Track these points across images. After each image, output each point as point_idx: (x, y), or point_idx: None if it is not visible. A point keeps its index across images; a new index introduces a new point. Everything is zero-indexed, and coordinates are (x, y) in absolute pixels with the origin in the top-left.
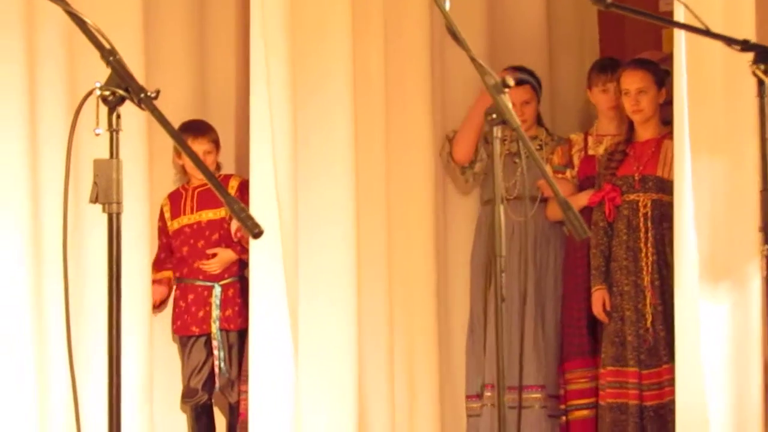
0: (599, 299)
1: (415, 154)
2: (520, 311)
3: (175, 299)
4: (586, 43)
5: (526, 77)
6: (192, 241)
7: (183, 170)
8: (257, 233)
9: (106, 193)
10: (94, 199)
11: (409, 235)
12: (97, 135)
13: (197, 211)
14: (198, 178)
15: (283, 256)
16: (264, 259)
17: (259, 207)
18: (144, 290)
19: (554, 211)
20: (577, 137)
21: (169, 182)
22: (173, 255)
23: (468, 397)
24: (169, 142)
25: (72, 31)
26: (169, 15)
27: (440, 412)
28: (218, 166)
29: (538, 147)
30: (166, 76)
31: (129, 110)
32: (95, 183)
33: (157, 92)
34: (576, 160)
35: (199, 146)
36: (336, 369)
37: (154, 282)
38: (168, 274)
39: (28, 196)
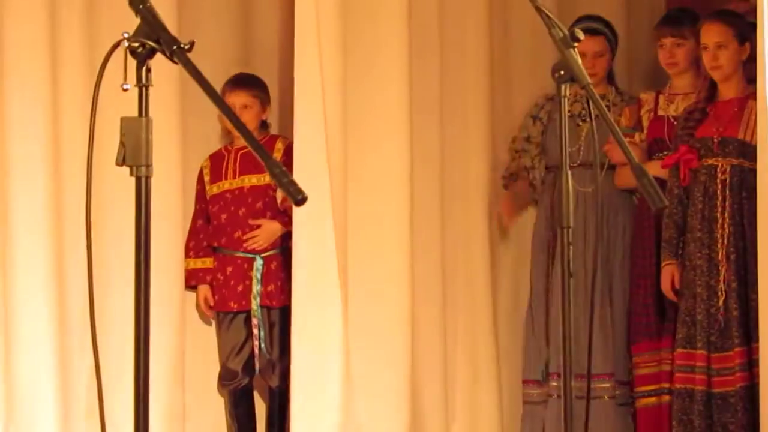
0: (668, 275)
1: (471, 128)
2: (587, 291)
3: (207, 272)
4: None
5: (601, 27)
6: (233, 208)
7: (226, 130)
8: (300, 200)
9: (135, 154)
10: (121, 162)
11: (464, 207)
12: (125, 90)
13: (240, 175)
14: (239, 138)
15: (334, 225)
16: (309, 229)
17: (303, 171)
18: (175, 260)
19: (624, 179)
20: (647, 96)
21: (206, 144)
22: (210, 224)
23: (525, 382)
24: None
25: None
26: None
27: (499, 397)
28: (264, 125)
29: (605, 107)
30: (206, 29)
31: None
32: (122, 143)
33: (192, 43)
34: (645, 122)
35: (236, 98)
36: (388, 349)
37: (196, 270)
38: (206, 263)
39: (50, 159)
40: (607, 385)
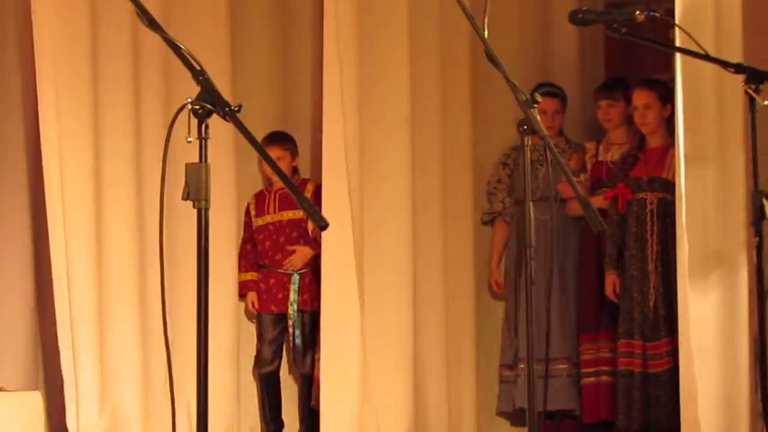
0: (610, 282)
1: (461, 168)
2: (547, 294)
3: (255, 282)
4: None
5: (558, 91)
6: (275, 237)
7: (266, 174)
8: (324, 225)
9: (196, 192)
10: (186, 197)
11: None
12: (189, 142)
13: (279, 210)
14: (277, 182)
15: (354, 249)
16: (335, 251)
17: (330, 206)
18: (231, 273)
19: (573, 209)
20: (590, 145)
21: (252, 184)
22: (256, 247)
23: (501, 365)
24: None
25: (168, 55)
26: (254, 35)
27: (477, 379)
28: (295, 170)
29: (558, 153)
30: (252, 90)
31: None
32: (187, 183)
33: (239, 106)
34: (588, 165)
35: (271, 152)
36: (396, 340)
37: (246, 281)
38: (253, 276)
39: (133, 194)
40: (565, 366)
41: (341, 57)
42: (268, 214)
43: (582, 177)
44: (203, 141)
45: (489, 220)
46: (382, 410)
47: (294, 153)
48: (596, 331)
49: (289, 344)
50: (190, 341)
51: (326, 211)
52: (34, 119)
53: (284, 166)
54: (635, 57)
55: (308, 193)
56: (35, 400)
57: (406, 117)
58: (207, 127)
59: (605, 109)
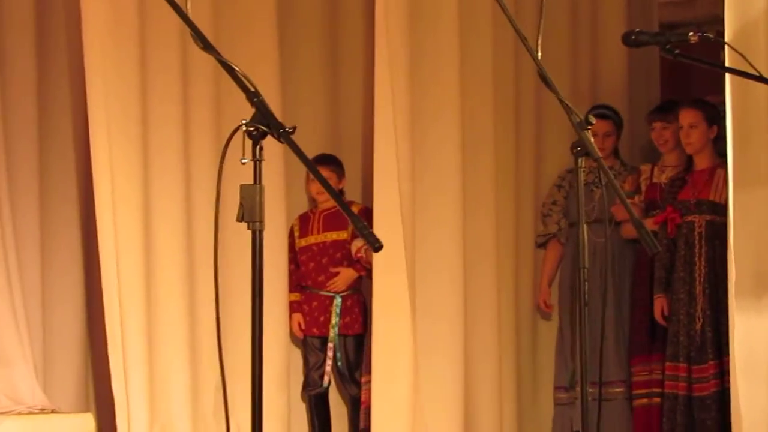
0: (659, 306)
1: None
2: (601, 316)
3: (299, 303)
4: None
5: (609, 113)
6: (318, 258)
7: (311, 196)
8: (378, 247)
9: (251, 213)
10: (240, 218)
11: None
12: (243, 164)
13: (323, 231)
14: (322, 203)
15: (406, 266)
16: (387, 270)
17: (382, 227)
18: (281, 295)
19: (627, 231)
20: (645, 167)
21: (297, 206)
22: (299, 268)
23: (556, 388)
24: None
25: (221, 76)
26: (305, 55)
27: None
28: (341, 193)
29: (612, 176)
30: (301, 110)
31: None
32: (241, 204)
33: (294, 128)
34: (643, 187)
35: None
36: (447, 364)
37: (291, 302)
38: (296, 297)
39: (182, 213)
40: (621, 389)
41: (393, 76)
42: (312, 234)
43: (636, 199)
44: (257, 162)
45: (543, 242)
46: (434, 425)
47: (340, 175)
48: (649, 354)
49: (328, 367)
50: (240, 363)
51: (378, 231)
52: (84, 137)
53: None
54: (691, 79)
55: None
56: (87, 422)
57: (457, 138)
58: (261, 148)
59: (659, 132)
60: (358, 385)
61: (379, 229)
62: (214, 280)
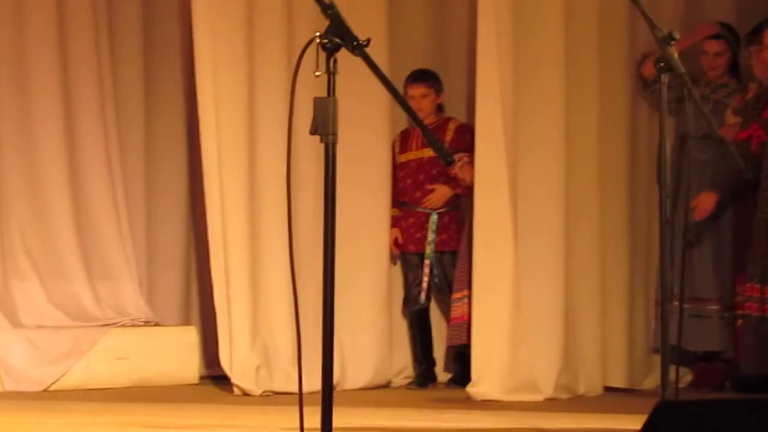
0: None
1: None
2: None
3: (396, 219)
4: None
5: (722, 32)
6: (415, 174)
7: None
8: (450, 161)
9: (324, 126)
10: (314, 131)
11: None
12: (317, 76)
13: (421, 148)
14: (422, 119)
15: (508, 183)
16: (488, 185)
17: (484, 142)
18: (381, 212)
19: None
20: (753, 85)
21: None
22: (397, 183)
23: (656, 301)
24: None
25: None
26: None
27: (630, 315)
28: (440, 108)
29: (726, 94)
30: (409, 24)
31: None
32: (315, 117)
33: (368, 40)
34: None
35: (416, 90)
36: (548, 277)
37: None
38: (396, 212)
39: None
40: (716, 307)
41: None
42: (411, 150)
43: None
44: (331, 75)
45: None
46: (534, 348)
47: (438, 90)
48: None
49: (424, 284)
50: (345, 281)
51: (480, 147)
52: (189, 63)
53: (429, 103)
54: None
55: (450, 132)
56: (190, 334)
57: (561, 49)
58: (336, 61)
59: (756, 54)
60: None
61: (481, 146)
62: (287, 195)
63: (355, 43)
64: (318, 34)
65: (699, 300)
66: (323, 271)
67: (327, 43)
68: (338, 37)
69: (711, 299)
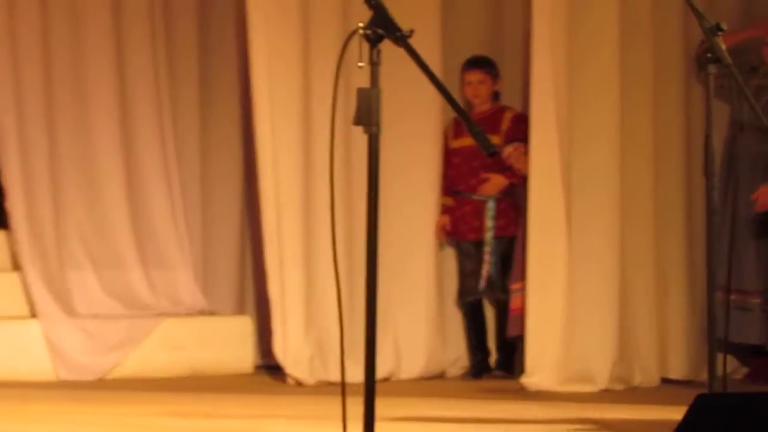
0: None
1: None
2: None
3: (451, 209)
4: None
5: None
6: (470, 161)
7: (466, 99)
8: (492, 152)
9: (367, 116)
10: (357, 122)
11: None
12: (360, 67)
13: None
14: (477, 106)
15: (561, 174)
16: (543, 174)
17: (538, 133)
18: (432, 202)
19: None
20: None
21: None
22: (451, 170)
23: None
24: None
25: None
26: None
27: (688, 306)
28: (496, 96)
29: None
30: (465, 12)
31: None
32: (358, 108)
33: (411, 32)
34: None
35: (473, 76)
36: (602, 269)
37: (441, 205)
38: (449, 201)
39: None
40: (757, 300)
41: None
42: (465, 137)
43: None
44: (374, 66)
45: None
46: (588, 340)
47: (495, 77)
48: None
49: (485, 272)
50: (396, 265)
51: (535, 137)
52: (244, 51)
53: (485, 90)
54: None
55: (506, 121)
56: (245, 324)
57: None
58: (379, 52)
59: None
60: (505, 289)
61: (535, 137)
62: (330, 185)
63: (398, 33)
64: (361, 24)
65: (743, 292)
66: (366, 263)
67: (370, 33)
68: (381, 27)
69: (754, 291)
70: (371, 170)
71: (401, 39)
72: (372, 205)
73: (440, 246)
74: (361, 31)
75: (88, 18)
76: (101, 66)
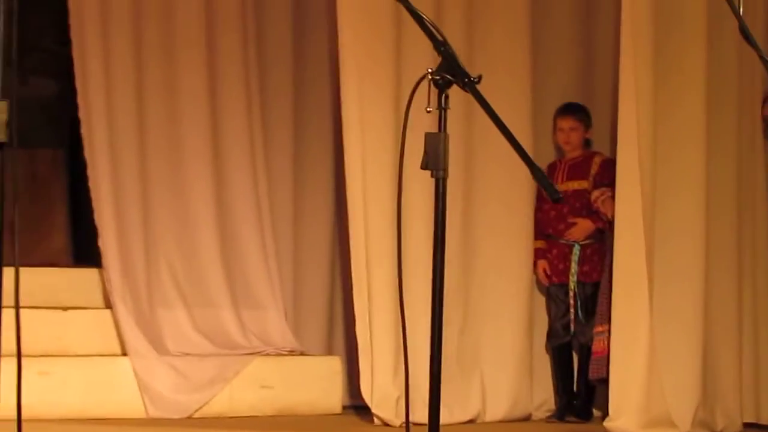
0: None
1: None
2: None
3: (542, 251)
4: None
5: None
6: (559, 206)
7: (557, 145)
8: (557, 198)
9: (435, 161)
10: (425, 166)
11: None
12: (428, 112)
13: (566, 180)
14: (569, 152)
15: (644, 225)
16: (627, 224)
17: (623, 180)
18: (524, 244)
19: None
20: None
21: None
22: (540, 215)
23: None
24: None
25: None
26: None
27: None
28: (587, 143)
29: None
30: (555, 58)
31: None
32: (426, 152)
33: (479, 77)
34: None
35: (565, 123)
36: (685, 315)
37: (536, 249)
38: (541, 244)
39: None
40: None
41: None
42: (556, 183)
43: None
44: (443, 111)
45: None
46: (671, 384)
47: (587, 125)
48: None
49: (570, 316)
50: (488, 307)
51: (620, 184)
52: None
53: (577, 137)
54: None
55: (595, 165)
56: (335, 365)
57: (702, 87)
58: (447, 97)
59: None
60: (592, 334)
61: (620, 187)
62: (397, 230)
63: (466, 79)
64: (429, 70)
65: None
66: (431, 311)
67: (439, 79)
68: (450, 73)
69: None
70: (438, 215)
71: (469, 85)
72: (438, 249)
73: (541, 289)
74: (429, 77)
75: (181, 62)
76: (194, 109)
